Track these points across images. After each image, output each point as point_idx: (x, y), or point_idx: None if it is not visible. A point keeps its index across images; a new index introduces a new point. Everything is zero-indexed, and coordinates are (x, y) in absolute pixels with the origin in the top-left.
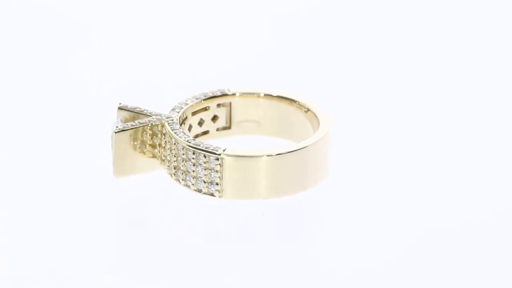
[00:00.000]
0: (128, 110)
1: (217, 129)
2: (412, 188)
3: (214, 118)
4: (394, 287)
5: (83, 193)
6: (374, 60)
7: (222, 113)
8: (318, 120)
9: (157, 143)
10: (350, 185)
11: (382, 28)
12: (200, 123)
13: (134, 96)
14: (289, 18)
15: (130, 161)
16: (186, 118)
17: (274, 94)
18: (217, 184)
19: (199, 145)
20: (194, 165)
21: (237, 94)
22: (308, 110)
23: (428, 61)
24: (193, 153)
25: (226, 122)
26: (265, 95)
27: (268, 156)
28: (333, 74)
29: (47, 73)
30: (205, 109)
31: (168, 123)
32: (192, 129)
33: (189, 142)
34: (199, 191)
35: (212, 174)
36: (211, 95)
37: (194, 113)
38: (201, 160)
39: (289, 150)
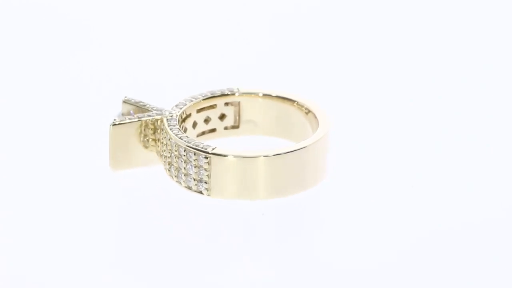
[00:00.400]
0: (132, 104)
1: (225, 128)
2: (412, 188)
3: (222, 117)
4: (394, 287)
5: (81, 188)
6: (373, 60)
7: (230, 111)
8: (317, 120)
9: (157, 138)
10: (349, 185)
11: (381, 29)
12: (207, 120)
13: (139, 93)
14: (289, 18)
15: (128, 154)
16: (189, 115)
17: (273, 94)
18: (206, 182)
19: (190, 143)
20: (185, 162)
21: (236, 94)
22: (308, 110)
23: (427, 61)
24: (184, 150)
25: (235, 122)
26: (264, 95)
27: (265, 156)
28: (333, 74)
29: (51, 75)
30: (212, 107)
31: (167, 119)
32: (197, 127)
33: (181, 139)
34: (189, 188)
35: (201, 172)
36: (219, 93)
37: (199, 110)
38: (191, 158)
39: (288, 151)
